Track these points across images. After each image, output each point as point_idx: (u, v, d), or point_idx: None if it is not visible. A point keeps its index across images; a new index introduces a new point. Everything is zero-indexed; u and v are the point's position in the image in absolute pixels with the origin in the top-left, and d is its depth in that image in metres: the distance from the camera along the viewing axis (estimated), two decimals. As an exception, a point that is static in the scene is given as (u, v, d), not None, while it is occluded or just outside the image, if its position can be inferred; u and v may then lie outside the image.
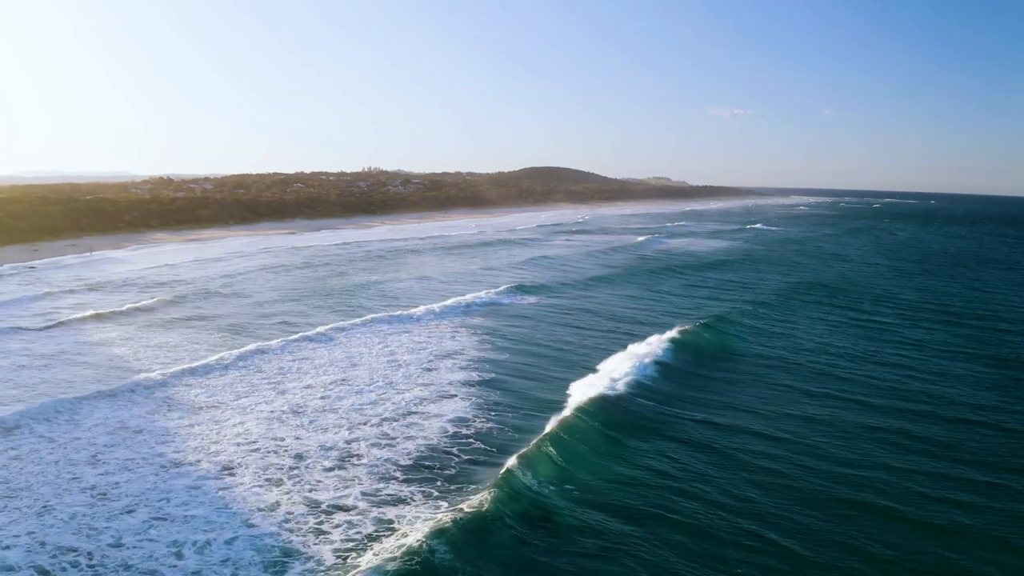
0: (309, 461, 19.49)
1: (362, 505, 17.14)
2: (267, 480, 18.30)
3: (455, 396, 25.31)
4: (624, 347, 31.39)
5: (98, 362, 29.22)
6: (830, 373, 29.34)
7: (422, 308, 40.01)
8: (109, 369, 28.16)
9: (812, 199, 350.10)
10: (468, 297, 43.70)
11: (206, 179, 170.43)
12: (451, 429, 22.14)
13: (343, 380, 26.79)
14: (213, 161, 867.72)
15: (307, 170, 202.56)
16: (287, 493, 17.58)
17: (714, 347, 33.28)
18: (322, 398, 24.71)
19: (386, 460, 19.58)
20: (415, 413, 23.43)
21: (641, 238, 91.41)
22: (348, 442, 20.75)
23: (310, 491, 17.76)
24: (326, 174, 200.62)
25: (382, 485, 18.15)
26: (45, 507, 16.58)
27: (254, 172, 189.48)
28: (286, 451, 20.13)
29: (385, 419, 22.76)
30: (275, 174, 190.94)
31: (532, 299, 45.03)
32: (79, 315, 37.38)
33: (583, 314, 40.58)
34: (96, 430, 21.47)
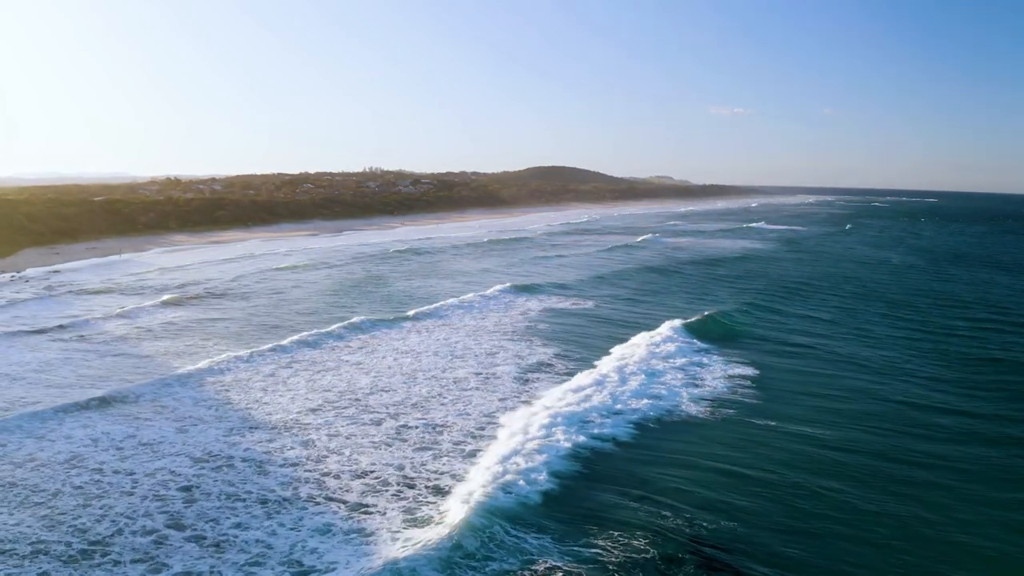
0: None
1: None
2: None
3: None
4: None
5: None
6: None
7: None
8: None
9: (814, 198, 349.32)
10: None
11: (213, 180, 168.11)
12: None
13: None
14: (213, 161, 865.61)
15: (309, 170, 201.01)
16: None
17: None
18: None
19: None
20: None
21: (685, 240, 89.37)
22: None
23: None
24: (331, 174, 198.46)
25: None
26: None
27: (254, 172, 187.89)
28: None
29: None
30: (281, 174, 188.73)
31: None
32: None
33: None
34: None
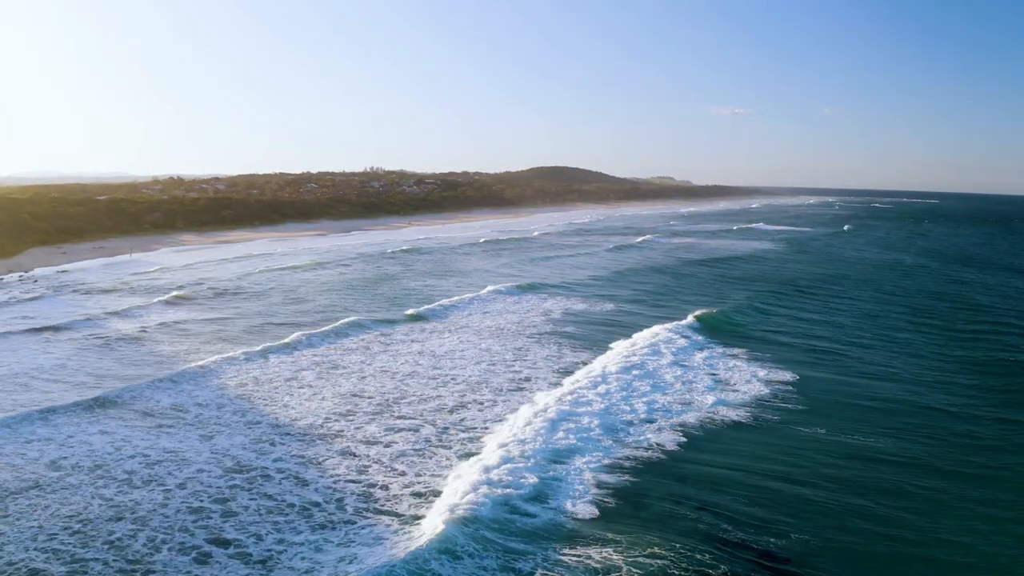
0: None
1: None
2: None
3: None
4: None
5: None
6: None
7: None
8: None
9: (814, 199, 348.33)
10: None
11: (217, 179, 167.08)
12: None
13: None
14: (213, 161, 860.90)
15: (310, 170, 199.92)
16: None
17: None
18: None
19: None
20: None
21: (713, 242, 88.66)
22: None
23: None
24: (332, 174, 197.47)
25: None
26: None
27: (254, 172, 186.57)
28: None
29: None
30: (283, 174, 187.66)
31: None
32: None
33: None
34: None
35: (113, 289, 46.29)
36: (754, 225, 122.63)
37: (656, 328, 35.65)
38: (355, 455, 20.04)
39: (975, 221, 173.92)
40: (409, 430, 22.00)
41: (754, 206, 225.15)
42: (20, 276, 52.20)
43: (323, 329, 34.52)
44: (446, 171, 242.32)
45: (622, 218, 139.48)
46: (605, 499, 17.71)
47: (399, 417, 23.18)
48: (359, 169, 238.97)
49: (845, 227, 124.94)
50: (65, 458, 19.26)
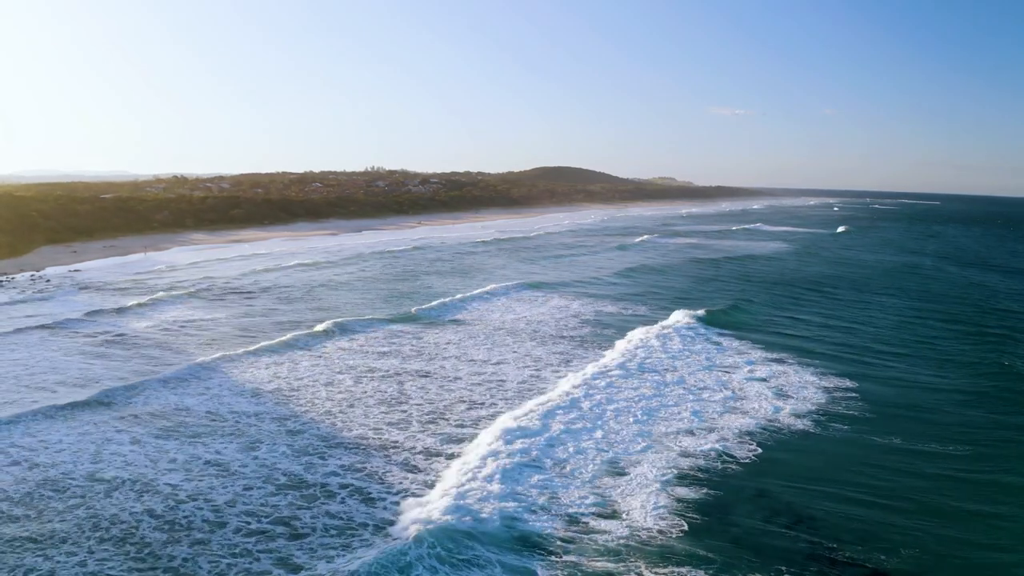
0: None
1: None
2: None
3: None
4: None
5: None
6: None
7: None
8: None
9: (815, 200, 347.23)
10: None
11: (221, 178, 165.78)
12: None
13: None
14: (212, 160, 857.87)
15: (311, 169, 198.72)
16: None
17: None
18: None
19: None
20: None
21: (729, 242, 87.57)
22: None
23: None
24: (335, 173, 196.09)
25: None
26: None
27: (255, 171, 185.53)
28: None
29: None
30: (285, 173, 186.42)
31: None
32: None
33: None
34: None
35: (131, 288, 45.04)
36: (769, 227, 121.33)
37: (680, 319, 34.61)
38: (419, 469, 18.81)
39: (982, 223, 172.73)
40: (456, 440, 20.81)
41: (758, 207, 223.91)
42: (32, 275, 50.89)
43: (356, 327, 33.42)
44: (447, 171, 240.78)
45: (636, 218, 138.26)
46: (687, 513, 16.55)
47: (457, 425, 22.01)
48: (359, 168, 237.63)
49: (845, 228, 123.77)
50: (101, 469, 18.06)
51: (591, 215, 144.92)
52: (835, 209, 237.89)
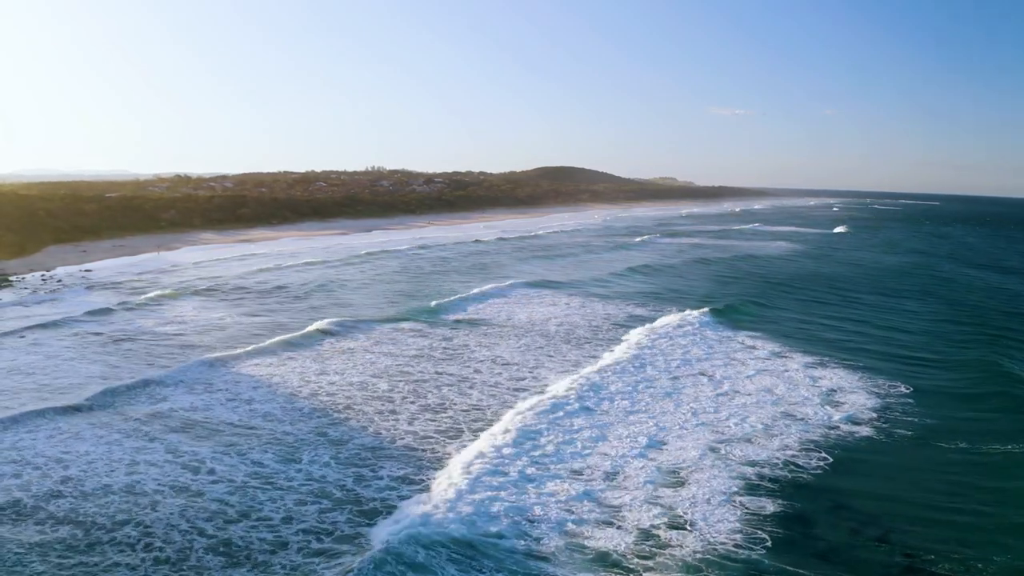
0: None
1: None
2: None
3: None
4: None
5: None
6: None
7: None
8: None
9: (815, 200, 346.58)
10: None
11: (224, 177, 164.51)
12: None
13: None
14: (212, 160, 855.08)
15: (312, 168, 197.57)
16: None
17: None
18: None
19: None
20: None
21: (744, 243, 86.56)
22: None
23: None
24: (338, 173, 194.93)
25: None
26: None
27: (256, 171, 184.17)
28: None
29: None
30: (288, 172, 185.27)
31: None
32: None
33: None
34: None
35: (148, 287, 44.01)
36: (775, 227, 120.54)
37: (707, 320, 33.74)
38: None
39: (987, 224, 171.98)
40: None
41: (759, 207, 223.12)
42: (43, 275, 49.85)
43: (386, 326, 32.58)
44: (449, 170, 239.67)
45: (641, 218, 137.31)
46: (766, 527, 15.65)
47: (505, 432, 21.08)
48: (360, 168, 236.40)
49: (844, 229, 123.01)
50: (139, 482, 17.12)
51: (599, 215, 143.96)
52: (834, 209, 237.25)
